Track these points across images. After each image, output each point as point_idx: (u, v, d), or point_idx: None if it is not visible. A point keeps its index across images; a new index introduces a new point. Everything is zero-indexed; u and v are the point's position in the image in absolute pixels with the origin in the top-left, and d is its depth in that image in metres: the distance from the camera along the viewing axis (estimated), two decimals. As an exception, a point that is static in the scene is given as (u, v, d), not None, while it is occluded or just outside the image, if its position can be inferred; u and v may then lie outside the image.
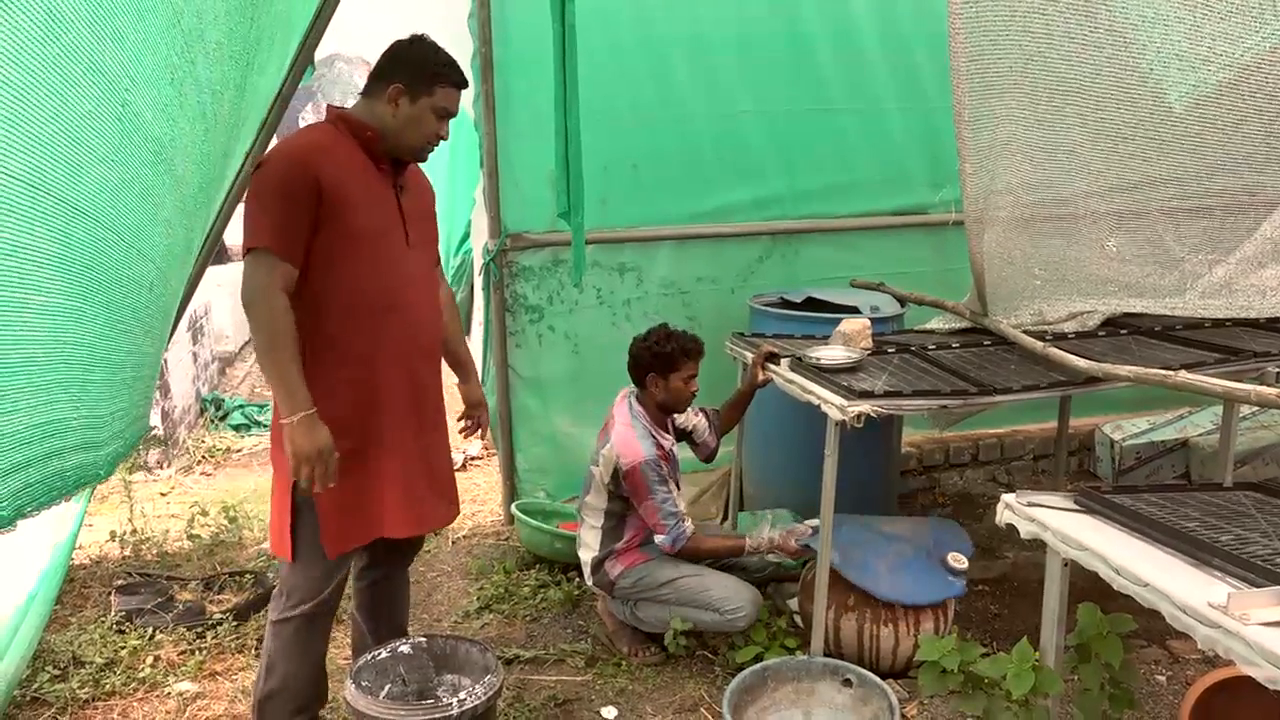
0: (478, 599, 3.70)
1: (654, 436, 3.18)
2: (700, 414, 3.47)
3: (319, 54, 3.52)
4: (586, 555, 3.28)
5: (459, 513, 2.79)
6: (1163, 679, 3.10)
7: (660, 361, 3.13)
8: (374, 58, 2.56)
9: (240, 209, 2.50)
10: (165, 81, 1.48)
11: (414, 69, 2.44)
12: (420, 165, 2.66)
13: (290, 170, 2.32)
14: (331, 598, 2.57)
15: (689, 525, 3.14)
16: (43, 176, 1.23)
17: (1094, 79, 2.70)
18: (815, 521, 3.05)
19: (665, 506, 3.09)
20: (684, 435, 3.39)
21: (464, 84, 2.53)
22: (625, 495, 3.17)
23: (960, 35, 2.63)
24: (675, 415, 3.36)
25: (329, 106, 2.50)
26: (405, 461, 2.54)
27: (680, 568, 3.16)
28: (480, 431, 2.98)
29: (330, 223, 2.34)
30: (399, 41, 2.50)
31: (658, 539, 3.13)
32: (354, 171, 2.41)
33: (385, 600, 2.85)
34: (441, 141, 2.53)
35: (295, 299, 2.33)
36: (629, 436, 3.14)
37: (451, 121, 2.56)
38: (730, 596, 3.10)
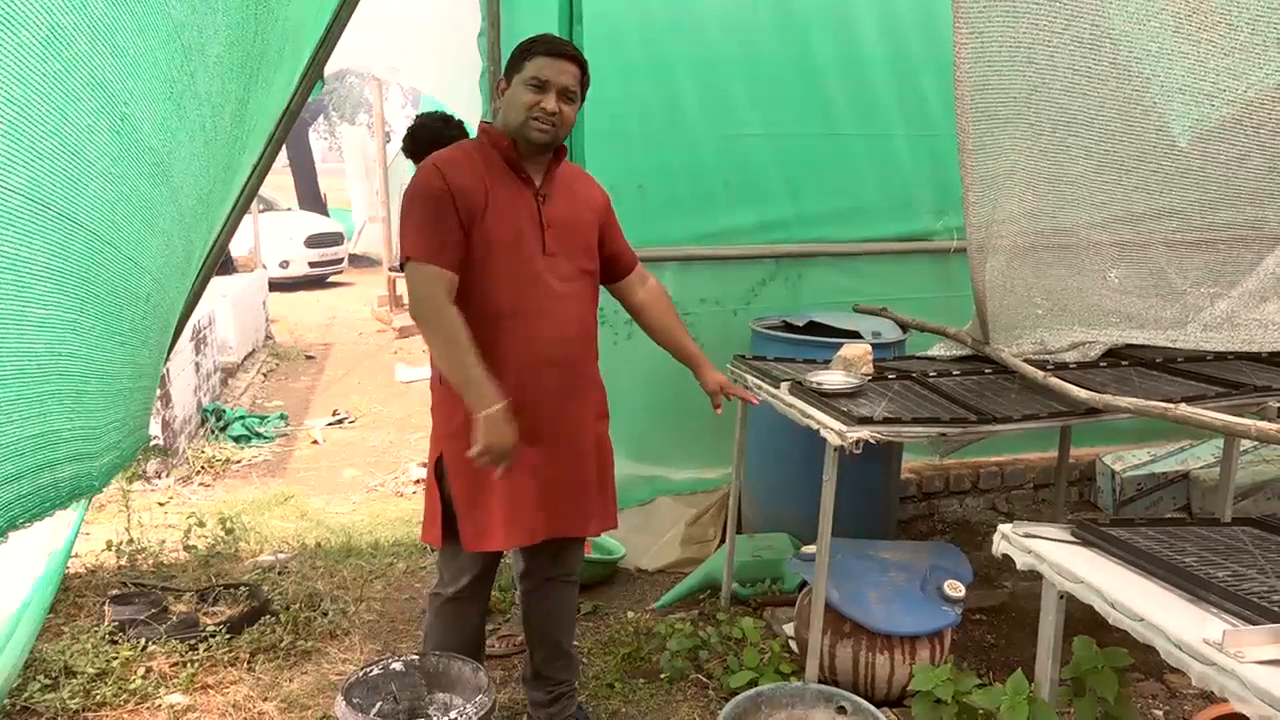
0: (472, 617, 3.68)
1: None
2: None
3: (329, 69, 3.55)
4: None
5: (608, 525, 2.72)
6: (1160, 714, 3.08)
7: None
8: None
9: (246, 220, 2.53)
10: (163, 95, 1.48)
11: (510, 58, 2.47)
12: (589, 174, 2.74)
13: (425, 179, 2.43)
14: (471, 587, 2.69)
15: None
16: (42, 190, 1.24)
17: (1098, 111, 2.71)
18: (811, 548, 3.04)
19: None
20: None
21: (559, 52, 2.42)
22: None
23: (965, 65, 2.65)
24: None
25: (480, 122, 2.56)
26: (513, 474, 2.47)
27: None
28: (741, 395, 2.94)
29: (471, 228, 2.42)
30: None
31: None
32: (488, 180, 2.45)
33: (535, 612, 2.87)
34: (549, 115, 2.40)
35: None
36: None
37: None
38: None
